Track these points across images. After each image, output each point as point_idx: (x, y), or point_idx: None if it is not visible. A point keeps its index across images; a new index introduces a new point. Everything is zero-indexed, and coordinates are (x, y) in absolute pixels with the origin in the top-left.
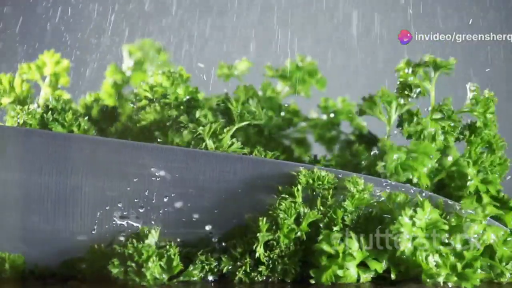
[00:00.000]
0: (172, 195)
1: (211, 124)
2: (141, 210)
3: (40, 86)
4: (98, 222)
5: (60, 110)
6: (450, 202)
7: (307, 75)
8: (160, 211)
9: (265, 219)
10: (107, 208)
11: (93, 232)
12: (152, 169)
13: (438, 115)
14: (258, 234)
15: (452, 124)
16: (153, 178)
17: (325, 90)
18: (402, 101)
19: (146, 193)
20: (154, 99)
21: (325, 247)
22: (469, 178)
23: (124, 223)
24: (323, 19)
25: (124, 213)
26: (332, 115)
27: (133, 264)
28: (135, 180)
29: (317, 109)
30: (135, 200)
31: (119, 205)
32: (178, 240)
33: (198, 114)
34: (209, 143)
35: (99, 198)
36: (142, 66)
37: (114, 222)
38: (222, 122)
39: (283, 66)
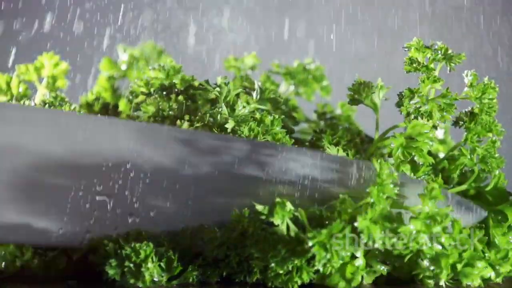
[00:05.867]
0: None
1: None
2: None
3: (37, 88)
4: None
5: (58, 106)
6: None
7: (312, 79)
8: None
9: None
10: None
11: None
12: None
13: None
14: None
15: (448, 102)
16: None
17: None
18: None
19: None
20: (153, 92)
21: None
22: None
23: None
24: None
25: None
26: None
27: (131, 265)
28: None
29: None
30: None
31: None
32: None
33: None
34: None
35: None
36: (138, 65)
37: None
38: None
39: (291, 65)
